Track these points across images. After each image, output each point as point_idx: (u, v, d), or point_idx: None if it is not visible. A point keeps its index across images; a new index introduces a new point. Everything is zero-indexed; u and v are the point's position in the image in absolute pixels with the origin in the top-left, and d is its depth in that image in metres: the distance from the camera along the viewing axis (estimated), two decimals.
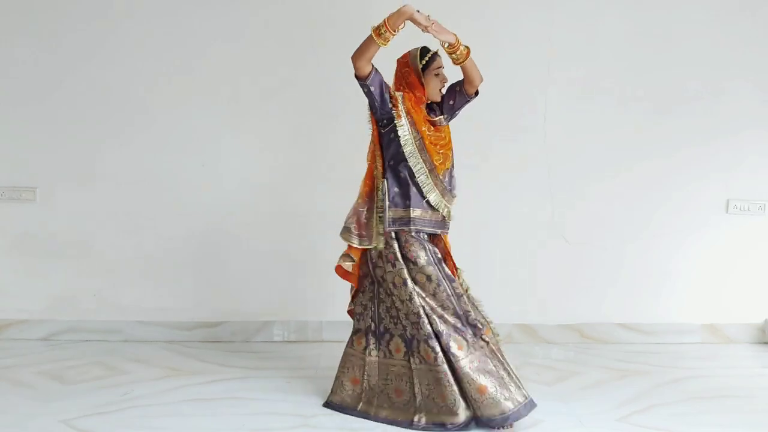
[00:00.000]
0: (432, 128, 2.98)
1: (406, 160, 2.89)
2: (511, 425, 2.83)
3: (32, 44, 3.91)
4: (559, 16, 4.06)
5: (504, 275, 4.14)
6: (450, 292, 2.92)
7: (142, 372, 3.49)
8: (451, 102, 3.06)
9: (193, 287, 4.08)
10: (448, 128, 3.08)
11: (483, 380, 2.84)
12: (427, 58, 2.98)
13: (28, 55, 3.92)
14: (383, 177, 2.95)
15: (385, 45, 2.78)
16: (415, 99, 2.97)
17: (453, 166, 3.06)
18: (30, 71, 3.93)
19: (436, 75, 2.99)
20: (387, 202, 2.92)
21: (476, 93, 3.10)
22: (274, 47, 3.99)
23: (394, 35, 2.78)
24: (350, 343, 3.09)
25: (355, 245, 2.94)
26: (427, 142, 2.91)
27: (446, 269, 2.96)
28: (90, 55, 3.93)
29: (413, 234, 2.91)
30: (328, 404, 3.08)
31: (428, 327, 2.87)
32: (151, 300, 4.05)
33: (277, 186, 4.05)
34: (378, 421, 2.93)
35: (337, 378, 3.09)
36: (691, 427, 2.94)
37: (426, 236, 2.97)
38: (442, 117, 3.05)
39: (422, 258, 2.89)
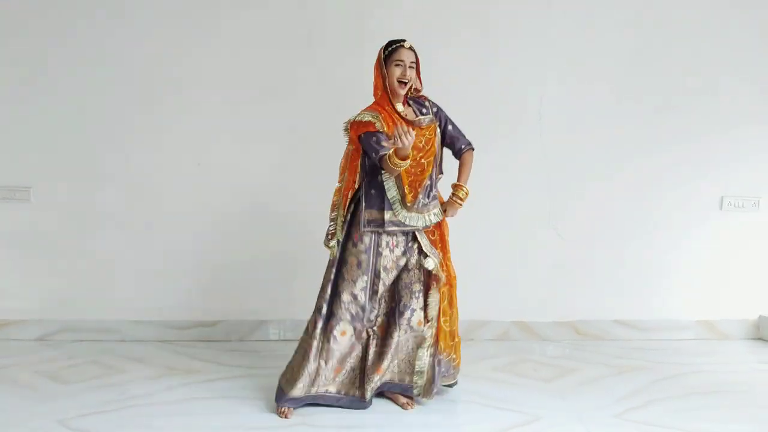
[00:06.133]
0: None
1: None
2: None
3: (28, 44, 3.89)
4: (557, 14, 4.07)
5: (500, 272, 4.15)
6: (367, 285, 3.01)
7: (139, 371, 3.48)
8: (445, 140, 3.16)
9: (188, 286, 4.07)
10: (433, 128, 3.04)
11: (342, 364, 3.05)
12: (389, 50, 2.95)
13: (23, 55, 3.90)
14: (363, 180, 3.01)
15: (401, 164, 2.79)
16: (387, 114, 2.93)
17: (434, 171, 3.06)
18: (25, 71, 3.91)
19: (397, 65, 2.93)
20: (363, 203, 2.98)
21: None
22: (270, 47, 3.98)
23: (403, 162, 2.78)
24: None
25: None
26: (402, 172, 2.89)
27: (381, 266, 3.02)
28: (85, 55, 3.91)
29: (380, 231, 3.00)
30: None
31: (325, 299, 3.04)
32: (146, 299, 4.04)
33: (273, 185, 4.04)
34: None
35: None
36: (688, 422, 2.95)
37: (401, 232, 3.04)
38: (423, 117, 3.02)
39: (364, 243, 2.99)
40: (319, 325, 3.03)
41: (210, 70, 3.97)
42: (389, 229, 2.97)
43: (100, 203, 4.00)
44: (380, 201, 2.96)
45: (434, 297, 3.07)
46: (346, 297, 3.02)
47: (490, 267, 4.13)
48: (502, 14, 4.06)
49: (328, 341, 3.02)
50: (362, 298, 3.03)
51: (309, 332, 3.08)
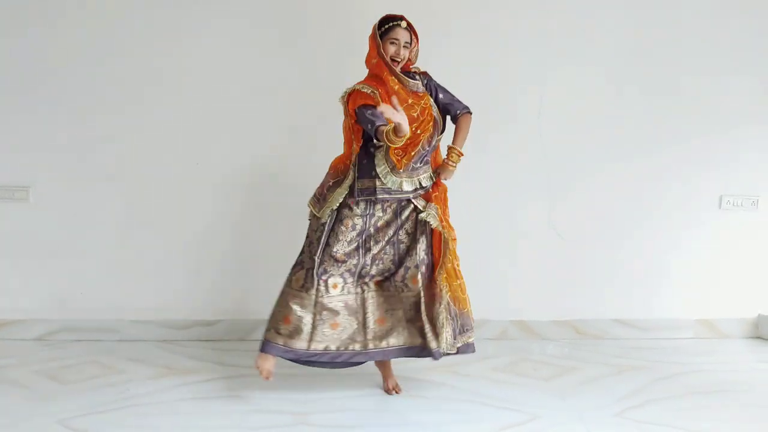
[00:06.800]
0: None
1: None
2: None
3: (26, 43, 3.88)
4: (556, 12, 4.07)
5: (500, 272, 4.15)
6: (359, 244, 3.09)
7: (138, 371, 3.47)
8: (440, 108, 3.19)
9: (188, 286, 4.06)
10: (427, 98, 3.09)
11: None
12: (384, 27, 3.01)
13: (21, 54, 3.89)
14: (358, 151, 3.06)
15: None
16: (384, 91, 2.97)
17: (432, 138, 3.10)
18: (24, 69, 3.90)
19: (392, 43, 3.00)
20: (356, 173, 3.06)
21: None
22: (269, 44, 3.98)
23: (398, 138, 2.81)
24: None
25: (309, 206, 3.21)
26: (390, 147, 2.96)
27: (373, 225, 3.09)
28: (83, 53, 3.90)
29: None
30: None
31: (316, 254, 3.10)
32: (146, 299, 4.04)
33: (272, 184, 4.04)
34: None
35: None
36: (688, 421, 2.95)
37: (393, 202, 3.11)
38: (416, 82, 3.09)
39: (360, 207, 3.07)
40: (310, 277, 3.07)
41: (210, 68, 3.96)
42: (381, 196, 3.03)
43: (99, 203, 3.99)
44: (371, 170, 3.03)
45: (449, 249, 3.13)
46: (340, 256, 3.07)
47: (490, 266, 4.13)
48: (502, 14, 4.05)
49: (320, 294, 3.06)
50: (355, 256, 3.09)
51: (294, 285, 3.11)
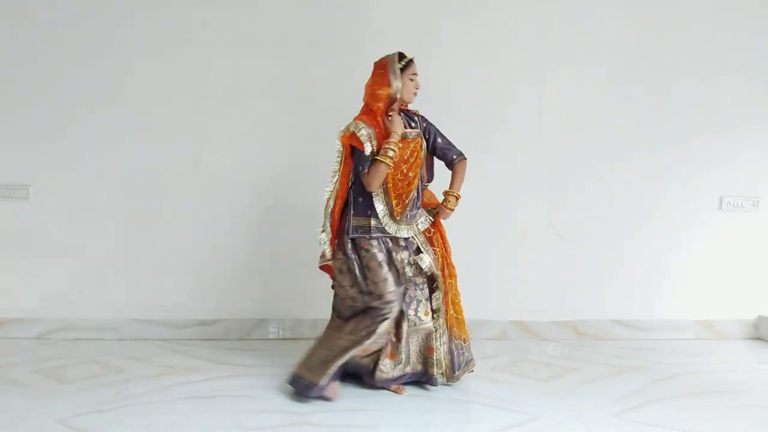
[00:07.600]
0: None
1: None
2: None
3: (26, 43, 3.89)
4: (556, 13, 4.07)
5: (499, 272, 4.15)
6: (396, 277, 3.14)
7: (138, 370, 3.47)
8: (436, 152, 3.29)
9: (188, 285, 4.07)
10: (419, 141, 3.20)
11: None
12: (404, 62, 3.10)
13: (22, 54, 3.90)
14: (350, 188, 3.16)
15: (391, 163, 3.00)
16: (380, 130, 3.06)
17: (420, 185, 3.21)
18: (24, 69, 3.91)
19: (411, 80, 3.11)
20: (351, 211, 3.14)
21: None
22: (270, 44, 3.98)
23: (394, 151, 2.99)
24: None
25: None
26: (389, 186, 3.08)
27: (395, 260, 3.16)
28: (84, 53, 3.91)
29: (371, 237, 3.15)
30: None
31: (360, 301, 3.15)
32: (146, 298, 4.04)
33: (272, 184, 4.04)
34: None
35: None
36: (687, 422, 2.95)
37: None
38: (411, 131, 3.17)
39: (373, 245, 3.13)
40: (363, 323, 3.12)
41: (209, 69, 3.97)
42: (375, 235, 3.12)
43: (99, 202, 4.00)
44: (366, 209, 3.12)
45: (437, 293, 3.27)
46: (389, 296, 3.10)
47: (490, 266, 4.13)
48: (502, 14, 4.06)
49: (370, 337, 3.11)
50: (400, 287, 3.15)
51: (347, 331, 3.16)
